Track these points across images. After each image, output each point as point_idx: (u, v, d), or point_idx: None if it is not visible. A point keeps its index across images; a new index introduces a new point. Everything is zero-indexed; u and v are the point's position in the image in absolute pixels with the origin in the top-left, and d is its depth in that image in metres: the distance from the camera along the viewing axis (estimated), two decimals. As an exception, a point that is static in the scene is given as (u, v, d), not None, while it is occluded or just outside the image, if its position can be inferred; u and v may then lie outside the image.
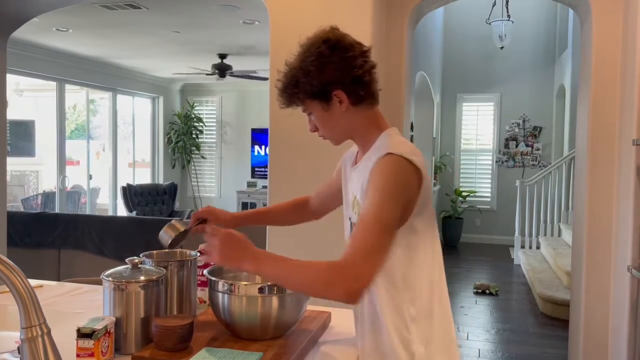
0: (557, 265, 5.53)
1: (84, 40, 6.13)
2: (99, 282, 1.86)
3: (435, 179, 7.88)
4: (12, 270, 0.80)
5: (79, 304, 1.76)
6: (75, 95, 8.09)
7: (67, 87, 7.16)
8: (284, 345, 1.35)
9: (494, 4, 7.18)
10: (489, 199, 8.50)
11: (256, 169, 9.09)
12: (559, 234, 6.87)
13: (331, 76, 1.24)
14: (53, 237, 4.63)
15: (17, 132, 7.33)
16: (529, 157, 8.30)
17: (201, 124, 9.50)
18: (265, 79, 6.93)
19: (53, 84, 6.96)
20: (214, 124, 9.63)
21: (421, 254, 1.26)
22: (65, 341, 1.23)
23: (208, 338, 1.39)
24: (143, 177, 9.00)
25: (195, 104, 9.51)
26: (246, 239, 1.17)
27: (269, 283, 1.35)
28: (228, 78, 7.27)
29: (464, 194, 8.22)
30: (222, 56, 6.85)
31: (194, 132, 9.39)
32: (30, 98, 8.62)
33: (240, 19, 5.07)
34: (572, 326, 3.28)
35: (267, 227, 2.85)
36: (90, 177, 7.84)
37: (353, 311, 1.38)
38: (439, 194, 8.46)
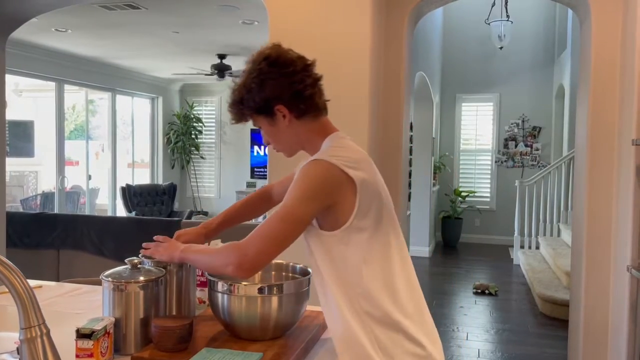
0: (557, 265, 5.53)
1: (83, 41, 6.12)
2: (98, 283, 1.86)
3: (434, 179, 7.88)
4: (11, 270, 0.79)
5: (78, 304, 1.76)
6: (75, 95, 8.09)
7: (66, 87, 7.16)
8: (284, 345, 1.35)
9: (493, 4, 7.18)
10: (488, 199, 8.51)
11: (255, 169, 9.10)
12: (559, 234, 6.87)
13: (271, 92, 1.30)
14: (52, 238, 4.63)
15: (16, 132, 7.32)
16: (528, 157, 8.30)
17: (200, 124, 9.50)
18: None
19: (52, 84, 6.95)
20: (213, 124, 9.63)
21: (374, 253, 1.27)
22: (65, 342, 1.22)
23: (208, 338, 1.39)
24: (142, 178, 8.99)
25: (194, 104, 9.51)
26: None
27: (268, 283, 1.37)
28: (227, 78, 7.27)
29: (463, 194, 8.23)
30: (222, 56, 6.85)
31: (193, 132, 9.39)
32: (29, 98, 8.61)
33: (240, 19, 5.07)
34: (571, 326, 3.28)
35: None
36: (89, 177, 7.84)
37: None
38: (439, 194, 8.46)
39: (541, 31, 8.17)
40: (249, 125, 1.42)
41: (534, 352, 3.98)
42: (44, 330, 0.80)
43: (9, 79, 5.25)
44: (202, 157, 9.63)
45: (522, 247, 7.05)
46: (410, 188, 6.48)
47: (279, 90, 1.29)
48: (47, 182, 7.89)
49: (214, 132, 9.61)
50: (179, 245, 1.41)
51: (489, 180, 8.53)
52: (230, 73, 7.12)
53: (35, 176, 8.33)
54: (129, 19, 5.10)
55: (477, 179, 8.63)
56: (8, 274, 0.79)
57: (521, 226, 7.09)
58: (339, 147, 1.29)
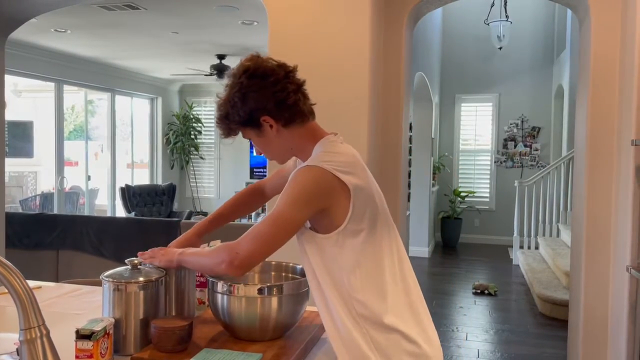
0: (556, 265, 5.54)
1: (82, 41, 6.12)
2: (98, 283, 1.86)
3: (434, 179, 7.88)
4: (11, 271, 0.79)
5: (77, 305, 1.76)
6: (74, 96, 8.09)
7: (66, 87, 7.15)
8: (284, 346, 1.35)
9: (493, 5, 7.19)
10: (487, 200, 8.51)
11: (255, 169, 9.09)
12: (558, 234, 6.88)
13: (255, 104, 1.30)
14: (51, 238, 4.63)
15: (16, 132, 7.32)
16: (527, 157, 8.31)
17: (200, 124, 9.49)
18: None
19: (51, 84, 6.95)
20: (213, 125, 9.59)
21: (367, 256, 1.28)
22: (64, 342, 1.22)
23: (207, 339, 1.39)
24: (141, 178, 8.99)
25: (193, 105, 9.51)
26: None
27: (268, 284, 1.37)
28: (219, 76, 7.26)
29: (462, 194, 8.23)
30: (221, 57, 6.85)
31: (192, 132, 9.39)
32: (28, 99, 8.61)
33: (239, 20, 5.07)
34: (571, 326, 3.28)
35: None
36: (88, 178, 7.84)
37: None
38: (438, 195, 8.46)
39: (540, 31, 8.17)
40: (226, 139, 1.43)
41: (534, 352, 3.98)
42: (44, 331, 0.80)
43: (8, 79, 5.24)
44: (201, 158, 9.63)
45: (521, 247, 7.05)
46: (409, 188, 6.48)
47: (262, 101, 1.30)
48: (46, 183, 7.89)
49: (213, 133, 9.61)
50: (175, 250, 1.44)
51: (488, 181, 8.54)
52: (228, 73, 7.10)
53: (35, 177, 8.32)
54: (128, 20, 5.10)
55: (477, 179, 8.63)
56: (7, 274, 0.79)
57: (520, 226, 7.09)
58: (331, 152, 1.29)
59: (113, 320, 1.28)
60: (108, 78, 7.83)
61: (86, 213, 7.84)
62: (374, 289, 1.28)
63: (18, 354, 0.99)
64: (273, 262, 1.62)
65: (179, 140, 9.25)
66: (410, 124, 6.22)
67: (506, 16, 7.05)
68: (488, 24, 7.27)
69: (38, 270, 4.60)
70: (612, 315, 2.88)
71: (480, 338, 4.26)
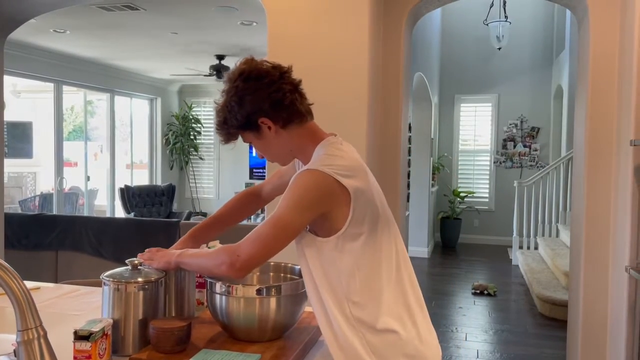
0: (555, 265, 5.54)
1: (81, 42, 6.12)
2: (97, 284, 1.86)
3: (433, 179, 7.88)
4: (8, 272, 0.79)
5: (76, 305, 1.75)
6: (73, 96, 8.09)
7: (65, 88, 7.15)
8: (283, 346, 1.35)
9: (492, 5, 7.19)
10: (487, 200, 8.51)
11: (254, 170, 9.10)
12: (557, 235, 6.88)
13: (251, 107, 1.30)
14: (51, 239, 4.62)
15: (15, 133, 7.32)
16: (526, 157, 8.31)
17: (199, 125, 9.49)
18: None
19: (50, 85, 6.95)
20: (212, 125, 9.59)
21: (366, 260, 1.28)
22: (62, 344, 1.22)
23: (206, 340, 1.38)
24: (141, 179, 8.99)
25: (193, 105, 9.51)
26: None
27: (266, 285, 1.37)
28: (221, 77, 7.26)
29: (462, 194, 8.23)
30: (220, 57, 6.85)
31: (192, 133, 9.39)
32: (27, 99, 8.61)
33: (238, 20, 5.07)
34: (570, 326, 3.28)
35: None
36: (88, 178, 7.84)
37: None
38: (437, 195, 8.46)
39: (539, 32, 8.18)
40: (227, 144, 1.43)
41: (533, 352, 3.98)
42: (41, 333, 0.80)
43: (8, 79, 5.25)
44: (200, 158, 9.63)
45: (520, 247, 7.05)
46: (409, 189, 6.48)
47: (258, 103, 1.30)
48: (45, 183, 7.89)
49: (212, 133, 9.60)
50: (173, 252, 1.44)
51: (487, 181, 8.54)
52: (224, 78, 7.10)
53: (34, 177, 8.32)
54: (128, 20, 5.10)
55: (476, 179, 8.63)
56: (4, 275, 0.79)
57: (520, 227, 7.10)
58: (332, 155, 1.29)
59: (111, 321, 1.28)
60: (107, 78, 7.83)
61: (85, 214, 7.84)
62: (370, 292, 1.28)
63: (15, 355, 0.99)
64: (272, 263, 1.62)
65: (179, 140, 9.25)
66: (410, 124, 6.22)
67: (505, 16, 7.05)
68: (487, 25, 7.27)
69: (37, 271, 4.60)
70: (611, 315, 2.88)
71: (479, 338, 4.26)
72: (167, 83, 9.23)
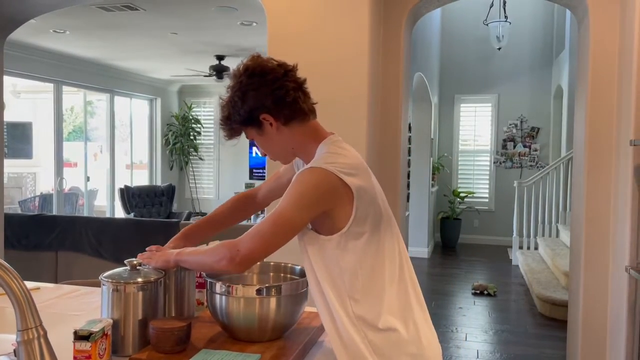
0: (555, 265, 5.54)
1: (81, 42, 6.12)
2: (97, 284, 1.85)
3: (433, 179, 7.88)
4: (8, 272, 0.79)
5: (76, 306, 1.75)
6: (73, 96, 8.09)
7: (65, 88, 7.15)
8: (282, 346, 1.35)
9: (492, 5, 7.19)
10: (487, 200, 8.51)
11: (254, 170, 9.09)
12: (557, 235, 6.88)
13: (254, 102, 1.31)
14: (50, 239, 4.62)
15: (15, 133, 7.32)
16: (526, 157, 8.31)
17: (199, 125, 9.49)
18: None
19: (50, 85, 6.95)
20: (212, 126, 9.62)
21: (368, 259, 1.29)
22: (62, 344, 1.22)
23: (206, 340, 1.38)
24: (141, 179, 8.99)
25: (193, 106, 9.51)
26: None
27: (266, 285, 1.37)
28: (226, 79, 7.26)
29: (462, 194, 8.23)
30: (220, 57, 6.85)
31: (191, 133, 9.39)
32: (27, 100, 8.61)
33: (238, 21, 5.07)
34: (570, 326, 3.28)
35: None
36: (87, 178, 7.83)
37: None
38: (437, 195, 8.46)
39: (539, 32, 8.18)
40: (230, 140, 1.43)
41: (533, 352, 3.98)
42: (41, 332, 0.80)
43: (7, 80, 5.25)
44: (200, 159, 9.63)
45: (520, 247, 7.05)
46: (408, 189, 6.48)
47: (261, 99, 1.30)
48: (45, 184, 7.89)
49: (212, 133, 9.61)
50: (172, 251, 1.44)
51: (487, 181, 8.54)
52: (228, 74, 7.11)
53: (34, 177, 8.33)
54: (127, 20, 5.10)
55: (476, 179, 8.63)
56: (5, 275, 0.79)
57: (520, 227, 7.10)
58: (335, 154, 1.29)
59: (111, 321, 1.28)
60: (107, 79, 7.83)
61: (85, 214, 7.84)
62: (373, 291, 1.28)
63: (15, 355, 0.99)
64: (272, 263, 1.62)
65: (178, 141, 9.25)
66: (410, 124, 6.22)
67: (505, 17, 7.05)
68: (487, 25, 7.27)
69: (37, 272, 4.60)
70: (611, 315, 2.88)
71: (479, 338, 4.26)
72: (166, 83, 9.23)
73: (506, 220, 8.11)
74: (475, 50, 8.34)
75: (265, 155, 1.43)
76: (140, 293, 1.33)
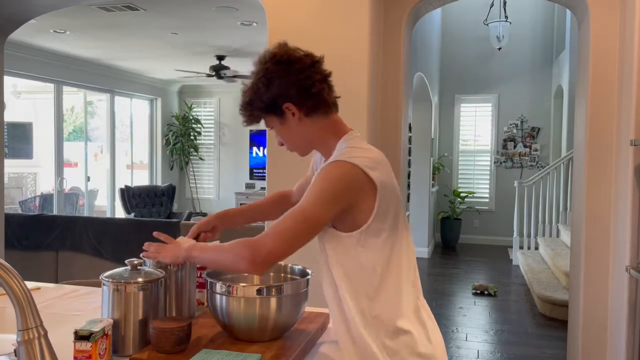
0: (556, 265, 5.53)
1: (81, 42, 6.12)
2: (97, 284, 1.85)
3: (433, 179, 7.88)
4: (9, 272, 0.79)
5: (76, 306, 1.75)
6: (73, 97, 8.09)
7: (65, 88, 7.15)
8: (283, 346, 1.35)
9: (492, 5, 7.19)
10: (487, 200, 8.51)
11: (254, 170, 9.09)
12: (557, 235, 6.88)
13: (278, 90, 1.29)
14: (51, 239, 4.63)
15: (15, 134, 7.32)
16: (527, 157, 8.31)
17: (199, 125, 9.49)
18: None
19: (51, 85, 6.95)
20: (212, 126, 9.63)
21: (387, 256, 1.27)
22: (63, 344, 1.22)
23: (206, 340, 1.38)
24: (141, 179, 8.99)
25: (193, 106, 9.51)
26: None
27: (266, 285, 1.36)
28: (226, 80, 7.26)
29: (462, 194, 8.23)
30: (220, 57, 6.85)
31: (192, 133, 9.39)
32: (27, 100, 8.61)
33: (238, 20, 5.07)
34: (570, 326, 3.28)
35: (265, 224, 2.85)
36: (88, 179, 7.84)
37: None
38: (438, 195, 8.46)
39: (540, 32, 8.18)
40: (249, 126, 1.42)
41: (533, 352, 3.98)
42: (42, 332, 0.80)
43: (8, 80, 5.25)
44: (201, 159, 9.63)
45: (521, 247, 7.05)
46: (409, 189, 6.48)
47: (286, 87, 1.28)
48: (45, 184, 7.89)
49: (212, 134, 9.61)
50: (182, 246, 1.38)
51: (487, 181, 8.54)
52: (234, 75, 7.11)
53: (34, 178, 8.33)
54: (128, 21, 5.10)
55: (476, 179, 8.63)
56: (5, 275, 0.79)
57: (520, 227, 7.09)
58: (359, 148, 1.27)
59: (112, 321, 1.28)
60: (107, 79, 7.83)
61: (86, 214, 7.84)
62: (389, 289, 1.27)
63: (16, 355, 0.99)
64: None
65: (179, 141, 9.25)
66: (410, 124, 6.22)
67: (505, 16, 7.05)
68: (487, 25, 7.27)
69: (38, 272, 4.60)
70: (611, 315, 2.87)
71: (480, 338, 4.26)
72: (167, 83, 9.23)
73: (506, 220, 8.11)
74: (476, 50, 8.34)
75: (283, 144, 1.40)
76: (141, 293, 1.33)
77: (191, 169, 9.66)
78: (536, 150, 8.27)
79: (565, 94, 6.88)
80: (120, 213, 7.87)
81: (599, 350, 2.93)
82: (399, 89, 3.21)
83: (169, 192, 8.29)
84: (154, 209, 7.94)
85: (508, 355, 3.90)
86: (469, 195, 8.29)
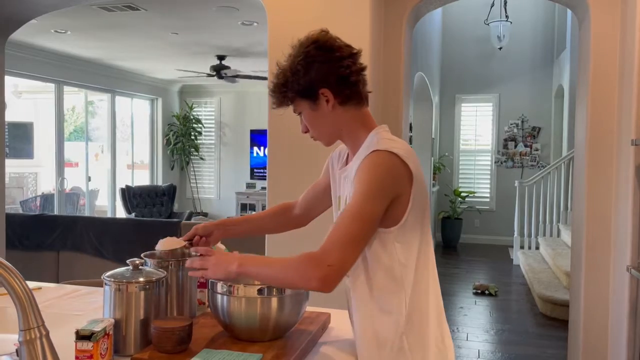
0: (556, 265, 5.53)
1: (82, 42, 6.13)
2: (98, 284, 1.86)
3: (434, 179, 7.88)
4: (10, 272, 0.79)
5: (77, 306, 1.76)
6: (74, 97, 8.10)
7: (66, 88, 7.16)
8: (284, 346, 1.35)
9: (492, 5, 7.19)
10: (488, 200, 8.51)
11: (255, 170, 9.09)
12: (558, 235, 6.87)
13: (317, 75, 1.28)
14: (52, 239, 4.63)
15: (16, 134, 7.33)
16: (527, 157, 8.31)
17: (200, 125, 9.50)
18: (263, 78, 6.93)
19: (52, 85, 6.95)
20: (213, 126, 9.63)
21: (421, 251, 1.27)
22: (64, 343, 1.22)
23: (207, 339, 1.38)
24: (142, 179, 8.99)
25: (194, 106, 9.51)
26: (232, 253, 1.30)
27: (267, 285, 1.35)
28: (226, 80, 7.26)
29: (463, 194, 8.23)
30: (221, 57, 6.85)
31: (192, 133, 9.39)
32: (28, 100, 8.62)
33: (239, 20, 5.07)
34: (571, 326, 3.28)
35: (266, 237, 2.84)
36: (89, 178, 7.84)
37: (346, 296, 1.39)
38: (438, 195, 8.46)
39: (540, 31, 8.17)
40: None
41: (534, 352, 3.98)
42: (43, 332, 0.80)
43: (9, 80, 5.24)
44: (201, 158, 9.63)
45: (521, 247, 7.05)
46: (409, 189, 6.46)
47: (325, 73, 1.28)
48: (46, 184, 7.90)
49: (213, 133, 9.62)
50: (232, 259, 1.24)
51: (488, 181, 8.54)
52: (235, 75, 7.11)
53: (35, 177, 8.33)
54: (128, 21, 5.10)
55: (477, 179, 8.63)
56: (7, 275, 0.79)
57: (521, 226, 7.09)
58: (392, 140, 1.27)
59: (113, 320, 1.28)
60: (108, 79, 7.83)
61: (86, 214, 7.84)
62: (422, 286, 1.27)
63: (18, 355, 0.99)
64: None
65: (179, 141, 9.25)
66: (410, 124, 6.22)
67: (506, 16, 7.05)
68: (488, 24, 7.27)
69: (39, 272, 4.61)
70: (612, 315, 2.87)
71: (480, 338, 4.26)
72: (167, 83, 9.24)
73: (507, 220, 8.11)
74: (476, 50, 8.34)
75: (307, 132, 1.37)
76: (142, 293, 1.33)
77: (192, 169, 9.67)
78: (537, 149, 8.27)
79: (566, 93, 6.88)
80: (121, 213, 7.87)
81: (599, 350, 2.93)
82: (400, 88, 3.21)
83: (170, 192, 8.30)
84: (155, 209, 7.95)
85: (509, 355, 3.90)
86: (470, 195, 8.29)
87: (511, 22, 7.24)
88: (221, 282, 1.36)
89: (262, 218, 1.66)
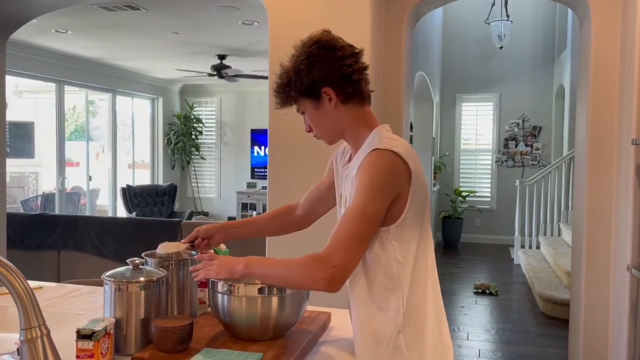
0: (557, 264, 5.53)
1: (83, 42, 6.13)
2: (99, 284, 1.86)
3: (434, 179, 7.88)
4: (11, 271, 0.80)
5: (78, 305, 1.76)
6: (75, 96, 8.10)
7: (67, 88, 7.16)
8: (284, 345, 1.36)
9: (493, 4, 7.19)
10: (488, 199, 8.51)
11: (256, 169, 9.10)
12: (559, 234, 6.87)
13: (320, 74, 1.29)
14: (53, 239, 4.63)
15: (17, 133, 7.33)
16: (528, 156, 8.30)
17: (200, 124, 9.50)
18: (264, 77, 6.93)
19: (52, 85, 6.96)
20: (214, 125, 9.63)
21: (419, 249, 1.28)
22: (65, 343, 1.23)
23: (208, 339, 1.39)
24: (142, 178, 9.00)
25: (194, 105, 9.52)
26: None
27: (268, 284, 1.35)
28: (227, 79, 7.26)
29: (463, 194, 8.23)
30: (222, 57, 6.85)
31: (193, 133, 9.39)
32: (29, 99, 8.62)
33: (239, 20, 5.07)
34: (572, 326, 3.28)
35: (267, 240, 2.84)
36: (89, 178, 7.85)
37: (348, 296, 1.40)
38: (439, 194, 8.46)
39: (541, 31, 8.17)
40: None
41: (535, 351, 3.98)
42: (44, 331, 0.81)
43: (9, 80, 5.24)
44: (202, 158, 9.64)
45: (522, 246, 7.05)
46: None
47: (328, 72, 1.29)
48: (47, 183, 7.90)
49: (214, 133, 9.62)
50: (237, 260, 1.28)
51: (489, 180, 8.54)
52: (235, 75, 7.11)
53: (36, 177, 8.34)
54: (129, 20, 5.10)
55: (478, 178, 8.63)
56: (8, 275, 0.79)
57: (521, 226, 7.09)
58: (392, 139, 1.28)
59: (114, 320, 1.29)
60: (109, 78, 7.84)
61: (87, 213, 7.85)
62: (420, 284, 1.27)
63: (19, 354, 0.99)
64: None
65: (180, 140, 9.26)
66: (411, 123, 6.22)
67: (507, 15, 7.04)
68: (489, 24, 7.27)
69: (40, 271, 4.61)
70: (612, 314, 2.87)
71: (481, 338, 4.26)
72: (168, 83, 9.24)
73: (508, 219, 8.11)
74: (477, 49, 8.34)
75: (310, 131, 1.39)
76: (143, 292, 1.34)
77: (192, 168, 9.67)
78: (537, 149, 8.26)
79: (567, 92, 6.88)
80: (121, 212, 7.88)
81: (600, 349, 2.93)
82: (400, 88, 3.21)
83: (171, 192, 8.30)
84: (156, 209, 7.95)
85: (509, 354, 3.91)
86: (471, 195, 8.29)
87: (512, 22, 7.24)
88: (222, 282, 1.36)
89: (264, 220, 1.68)
